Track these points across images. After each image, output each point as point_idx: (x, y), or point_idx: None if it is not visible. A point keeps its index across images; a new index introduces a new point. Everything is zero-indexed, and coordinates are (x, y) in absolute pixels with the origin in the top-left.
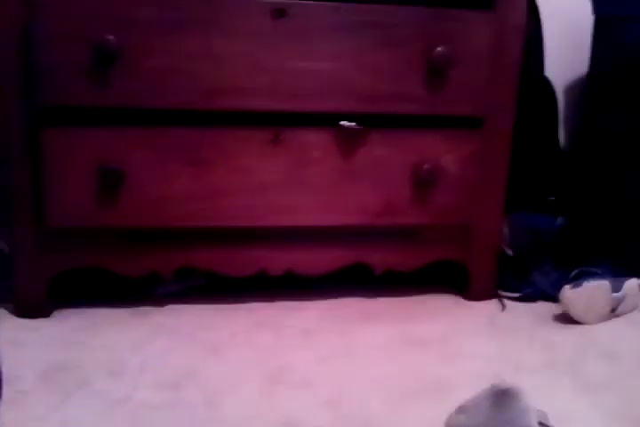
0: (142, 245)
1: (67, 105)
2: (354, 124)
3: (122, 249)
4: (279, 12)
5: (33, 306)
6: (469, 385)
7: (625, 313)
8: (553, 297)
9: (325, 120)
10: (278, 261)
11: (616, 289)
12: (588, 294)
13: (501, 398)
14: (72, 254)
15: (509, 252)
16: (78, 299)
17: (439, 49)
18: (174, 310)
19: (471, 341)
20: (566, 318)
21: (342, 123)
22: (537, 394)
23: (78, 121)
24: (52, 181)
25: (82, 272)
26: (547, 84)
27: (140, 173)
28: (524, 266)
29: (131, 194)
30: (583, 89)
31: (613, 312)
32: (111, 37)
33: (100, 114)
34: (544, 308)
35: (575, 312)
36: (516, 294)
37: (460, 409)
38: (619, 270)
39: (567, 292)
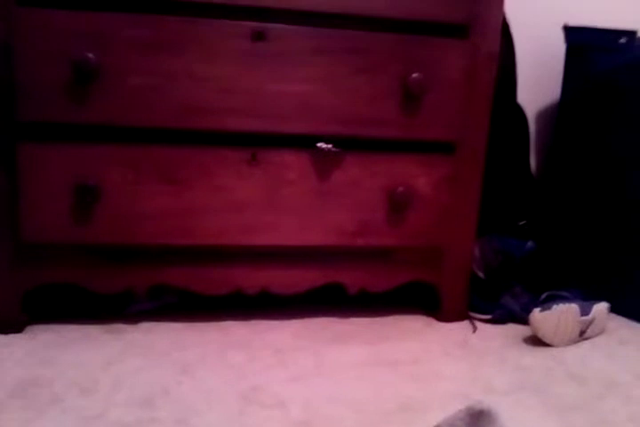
0: (117, 262)
1: (45, 121)
2: (330, 146)
3: (96, 266)
4: (258, 35)
5: (6, 321)
6: (441, 406)
7: (593, 336)
8: (523, 320)
9: (303, 142)
10: (253, 279)
11: (585, 312)
12: (557, 317)
13: (477, 418)
14: (46, 270)
15: (480, 274)
16: (51, 315)
17: (414, 75)
18: (147, 327)
19: (443, 362)
20: (536, 341)
21: (319, 145)
22: (507, 415)
23: (56, 137)
24: (27, 196)
25: (55, 288)
26: (519, 111)
27: (117, 190)
28: (495, 288)
29: (107, 211)
30: (554, 116)
31: (582, 335)
32: (91, 55)
33: (79, 131)
34: (514, 330)
35: (544, 335)
36: (487, 316)
37: None
38: (587, 294)
39: (537, 315)
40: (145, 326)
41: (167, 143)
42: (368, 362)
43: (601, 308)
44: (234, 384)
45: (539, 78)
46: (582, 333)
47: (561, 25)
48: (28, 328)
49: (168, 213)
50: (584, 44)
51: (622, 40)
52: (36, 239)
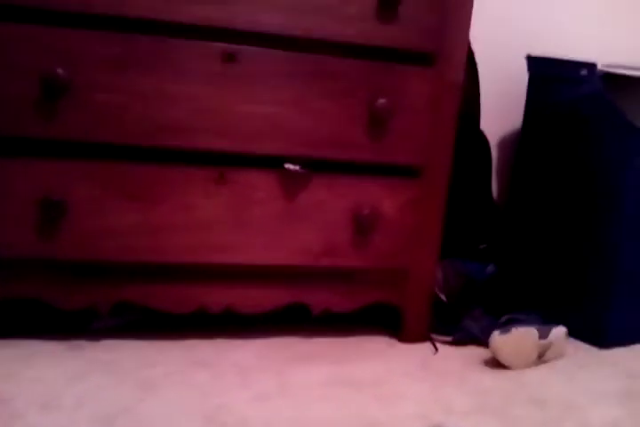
0: (81, 278)
1: (11, 136)
2: (298, 167)
3: (60, 281)
4: (229, 57)
5: None
6: None
7: (552, 359)
8: (483, 342)
9: (271, 162)
10: (218, 298)
11: (543, 336)
12: (516, 340)
13: None
14: (9, 285)
15: (442, 297)
16: (13, 330)
17: (381, 101)
18: (110, 345)
19: (404, 383)
20: (495, 363)
21: (287, 166)
22: None
23: (23, 152)
24: None
25: (15, 303)
26: (482, 137)
27: (83, 206)
28: (456, 311)
29: (72, 226)
30: (516, 142)
31: (540, 358)
32: (60, 71)
33: (46, 146)
34: (474, 352)
35: (504, 357)
36: (448, 338)
37: None
38: (546, 318)
39: (496, 337)
40: (108, 343)
41: (135, 160)
42: (331, 382)
43: (559, 331)
44: (197, 403)
45: (501, 106)
46: (541, 356)
47: (524, 55)
48: None
49: (134, 230)
50: (546, 75)
51: (583, 72)
52: (0, 253)
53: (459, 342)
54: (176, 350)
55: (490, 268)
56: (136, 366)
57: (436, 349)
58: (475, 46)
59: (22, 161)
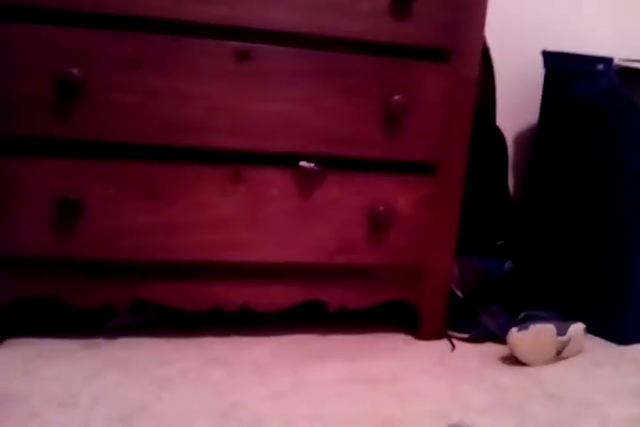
0: (97, 276)
1: (28, 136)
2: (312, 164)
3: (76, 280)
4: (243, 55)
5: None
6: (420, 424)
7: (570, 356)
8: (500, 339)
9: (285, 160)
10: (234, 296)
11: (561, 332)
12: (534, 336)
13: None
14: (26, 284)
15: (459, 293)
16: (29, 329)
17: (396, 97)
18: (127, 343)
19: (421, 380)
20: (513, 360)
21: (301, 163)
22: None
23: (39, 151)
24: (9, 209)
25: (33, 302)
26: (498, 134)
27: (99, 205)
28: (473, 308)
29: (88, 225)
30: (532, 138)
31: (559, 355)
32: (75, 71)
33: (62, 145)
34: (492, 349)
35: (521, 354)
36: (465, 335)
37: None
38: (564, 314)
39: (514, 334)
40: (124, 341)
41: (150, 159)
42: (347, 379)
43: (577, 328)
44: (213, 401)
45: (517, 102)
46: (559, 353)
47: (540, 50)
48: (7, 342)
49: (150, 228)
50: (562, 70)
51: (599, 67)
52: (17, 252)
53: (476, 338)
54: (192, 348)
55: (507, 264)
56: (152, 363)
57: (453, 346)
58: (490, 42)
59: (38, 161)
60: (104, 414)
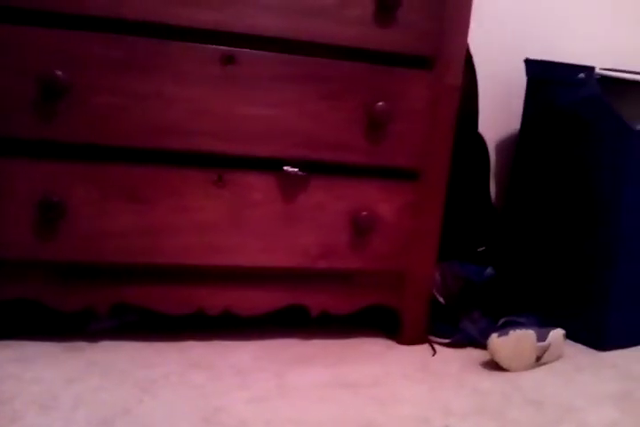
0: (79, 279)
1: (10, 137)
2: (296, 169)
3: (58, 283)
4: (228, 59)
5: None
6: None
7: (550, 362)
8: (481, 344)
9: (269, 165)
10: (216, 300)
11: (541, 338)
12: (515, 342)
13: None
14: (7, 286)
15: (441, 299)
16: (10, 331)
17: (379, 104)
18: (108, 346)
19: (402, 385)
20: (494, 365)
21: (285, 168)
22: None
23: (21, 153)
24: None
25: (13, 304)
26: (480, 140)
27: (82, 207)
28: (455, 313)
29: (71, 228)
30: (514, 145)
31: (538, 361)
32: (60, 73)
33: (45, 147)
34: (473, 354)
35: (502, 360)
36: (446, 340)
37: None
38: (544, 320)
39: (494, 340)
40: (105, 344)
41: (134, 162)
42: (329, 384)
43: (557, 334)
44: (196, 405)
45: (500, 109)
46: (539, 358)
47: (523, 58)
48: None
49: (132, 231)
50: (544, 78)
51: (581, 75)
52: None
53: (457, 344)
54: (173, 352)
55: (488, 270)
56: (134, 367)
57: (435, 351)
58: (473, 49)
59: (21, 162)
60: (85, 417)
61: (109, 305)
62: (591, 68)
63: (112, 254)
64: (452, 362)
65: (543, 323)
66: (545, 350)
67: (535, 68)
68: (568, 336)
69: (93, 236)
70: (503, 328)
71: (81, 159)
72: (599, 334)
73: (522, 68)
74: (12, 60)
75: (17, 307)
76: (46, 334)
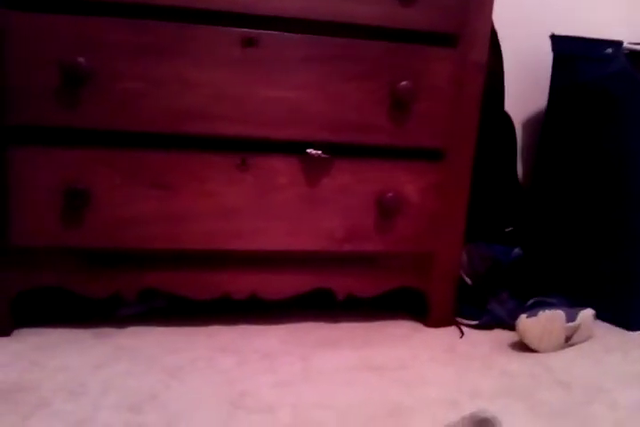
0: (106, 266)
1: (34, 125)
2: (320, 152)
3: (85, 270)
4: (249, 41)
5: None
6: (429, 411)
7: (579, 343)
8: (509, 325)
9: (293, 148)
10: (242, 284)
11: (571, 319)
12: (544, 323)
13: (481, 426)
14: (35, 273)
15: (468, 280)
16: (38, 318)
17: (403, 83)
18: (136, 332)
19: (430, 367)
20: (522, 346)
21: (309, 151)
22: None
23: (46, 141)
24: (17, 199)
25: (42, 291)
26: (506, 119)
27: (107, 194)
28: (482, 295)
29: (96, 215)
30: (541, 123)
31: (568, 342)
32: (81, 60)
33: (69, 134)
34: (501, 335)
35: (531, 341)
36: (474, 322)
37: None
38: (573, 301)
39: (523, 321)
40: (133, 330)
41: (157, 148)
42: (355, 367)
43: (587, 314)
44: (222, 389)
45: (526, 87)
46: (568, 339)
47: (548, 34)
48: (16, 332)
49: (156, 217)
50: (571, 54)
51: (608, 50)
52: (25, 243)
53: (485, 325)
54: (200, 337)
55: (516, 251)
56: (161, 352)
57: (462, 333)
58: (498, 26)
59: (46, 150)
60: (113, 402)
61: (136, 291)
62: (619, 43)
63: (136, 240)
64: (480, 344)
65: (572, 303)
66: (574, 330)
67: (561, 44)
68: (597, 316)
69: (118, 222)
70: (532, 309)
71: (104, 146)
72: (629, 314)
73: (548, 44)
74: (34, 47)
75: (45, 294)
76: (74, 320)
